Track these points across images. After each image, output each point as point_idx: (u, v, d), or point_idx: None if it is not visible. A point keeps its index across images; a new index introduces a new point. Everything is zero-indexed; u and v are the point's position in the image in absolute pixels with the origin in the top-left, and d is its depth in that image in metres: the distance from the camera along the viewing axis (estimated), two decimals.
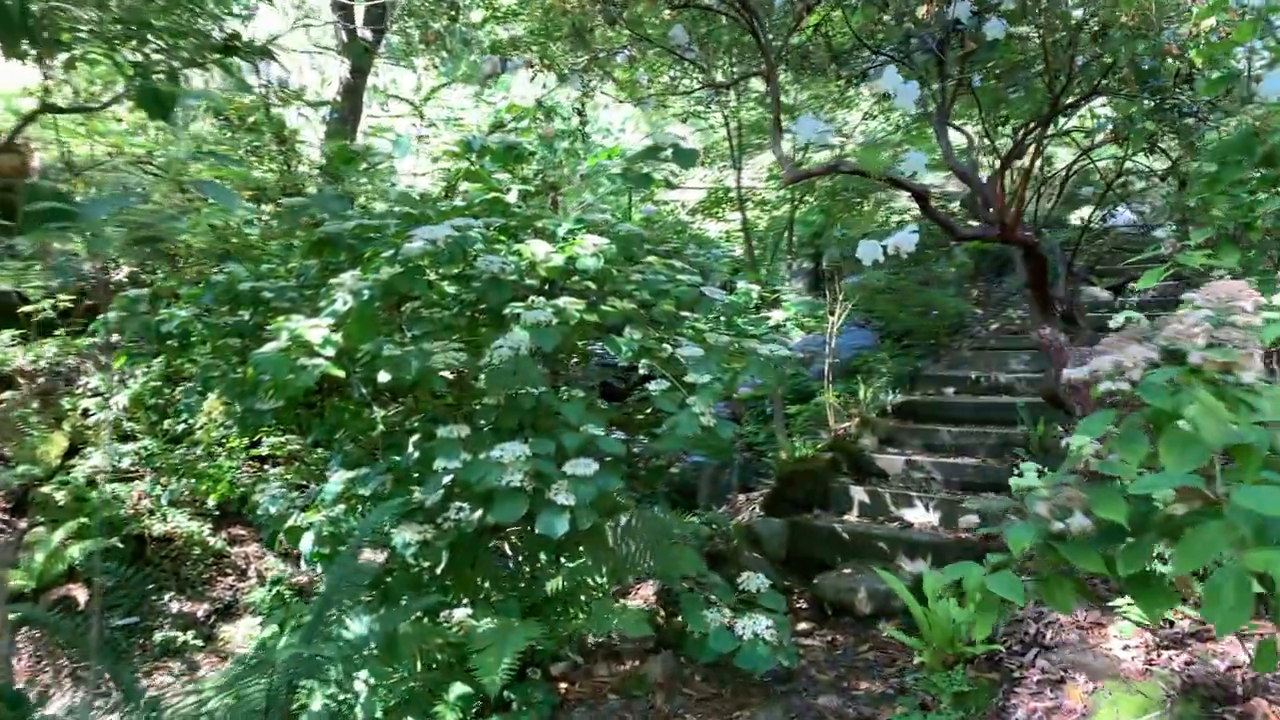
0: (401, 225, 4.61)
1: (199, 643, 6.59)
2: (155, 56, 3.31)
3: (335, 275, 4.44)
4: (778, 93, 5.25)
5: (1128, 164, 6.80)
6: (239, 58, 3.54)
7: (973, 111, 7.12)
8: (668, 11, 6.51)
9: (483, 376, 4.25)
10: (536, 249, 4.43)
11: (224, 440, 7.58)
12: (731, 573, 5.96)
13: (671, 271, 4.78)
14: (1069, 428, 6.98)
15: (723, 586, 4.90)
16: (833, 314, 9.24)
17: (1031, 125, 5.49)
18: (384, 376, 4.20)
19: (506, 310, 4.20)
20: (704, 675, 4.87)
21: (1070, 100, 5.30)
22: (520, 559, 5.11)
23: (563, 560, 5.05)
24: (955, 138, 5.86)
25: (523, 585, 4.89)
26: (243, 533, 7.56)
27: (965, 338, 10.98)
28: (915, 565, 6.19)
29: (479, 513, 4.19)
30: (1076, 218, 12.27)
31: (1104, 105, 5.89)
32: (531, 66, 6.30)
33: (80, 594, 6.46)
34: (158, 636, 6.46)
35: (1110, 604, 3.97)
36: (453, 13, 9.98)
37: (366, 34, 9.58)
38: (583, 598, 4.92)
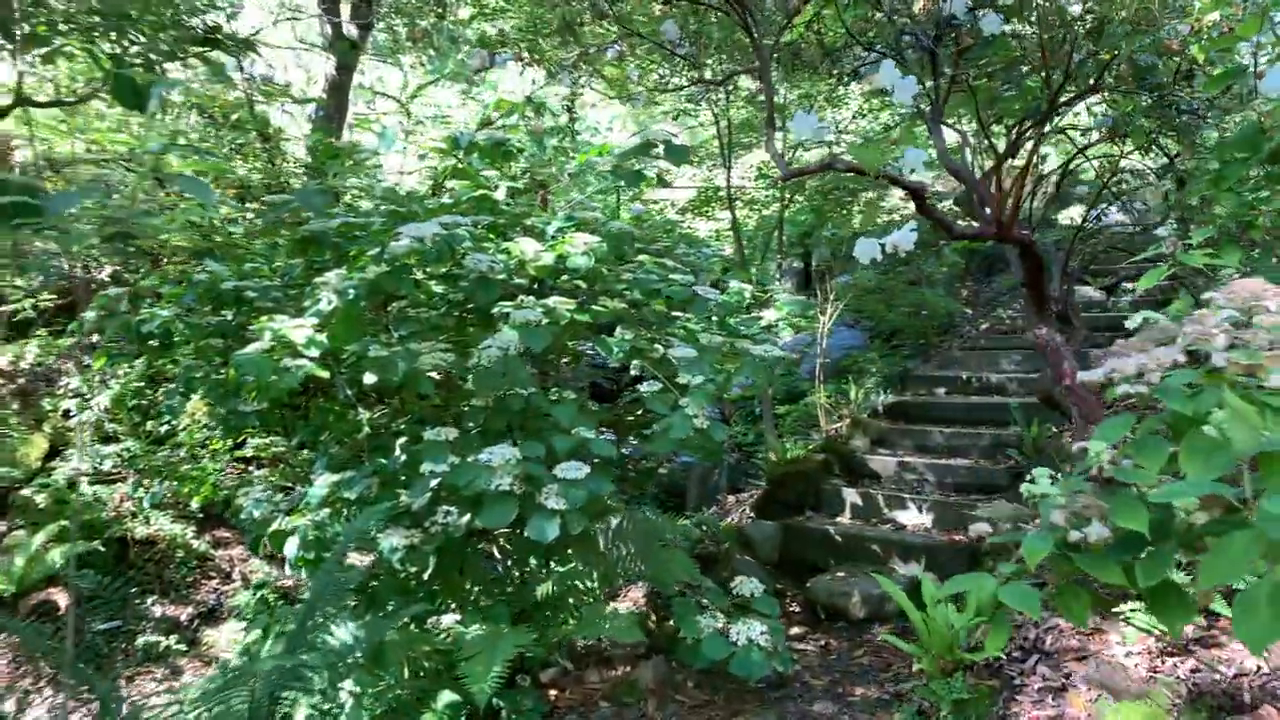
0: (387, 223, 4.52)
1: (182, 647, 6.50)
2: (134, 50, 3.23)
3: (320, 274, 4.36)
4: (771, 89, 5.18)
5: (1122, 162, 6.73)
6: (221, 51, 3.45)
7: (966, 110, 7.07)
8: (658, 7, 6.44)
9: (471, 378, 4.16)
10: (526, 247, 4.35)
11: (207, 442, 7.48)
12: (723, 575, 5.88)
13: (664, 271, 4.70)
14: (1064, 429, 6.94)
15: (715, 590, 4.83)
16: (823, 314, 9.17)
17: (1028, 123, 5.42)
18: (370, 378, 4.11)
19: (495, 310, 4.12)
20: (696, 681, 4.79)
21: (1065, 98, 5.23)
22: (509, 563, 5.02)
23: (552, 564, 4.97)
24: (949, 136, 5.79)
25: (512, 590, 4.81)
26: (227, 535, 7.46)
27: (955, 337, 10.94)
28: (909, 568, 6.13)
29: (467, 517, 4.10)
30: (1066, 218, 12.26)
31: (1099, 103, 5.82)
32: (521, 60, 6.21)
33: (61, 598, 6.36)
34: (140, 641, 6.37)
35: (1112, 609, 3.90)
36: (440, 10, 9.89)
37: (353, 30, 9.47)
38: (573, 602, 4.84)
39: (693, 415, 4.03)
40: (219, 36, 3.21)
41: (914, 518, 6.86)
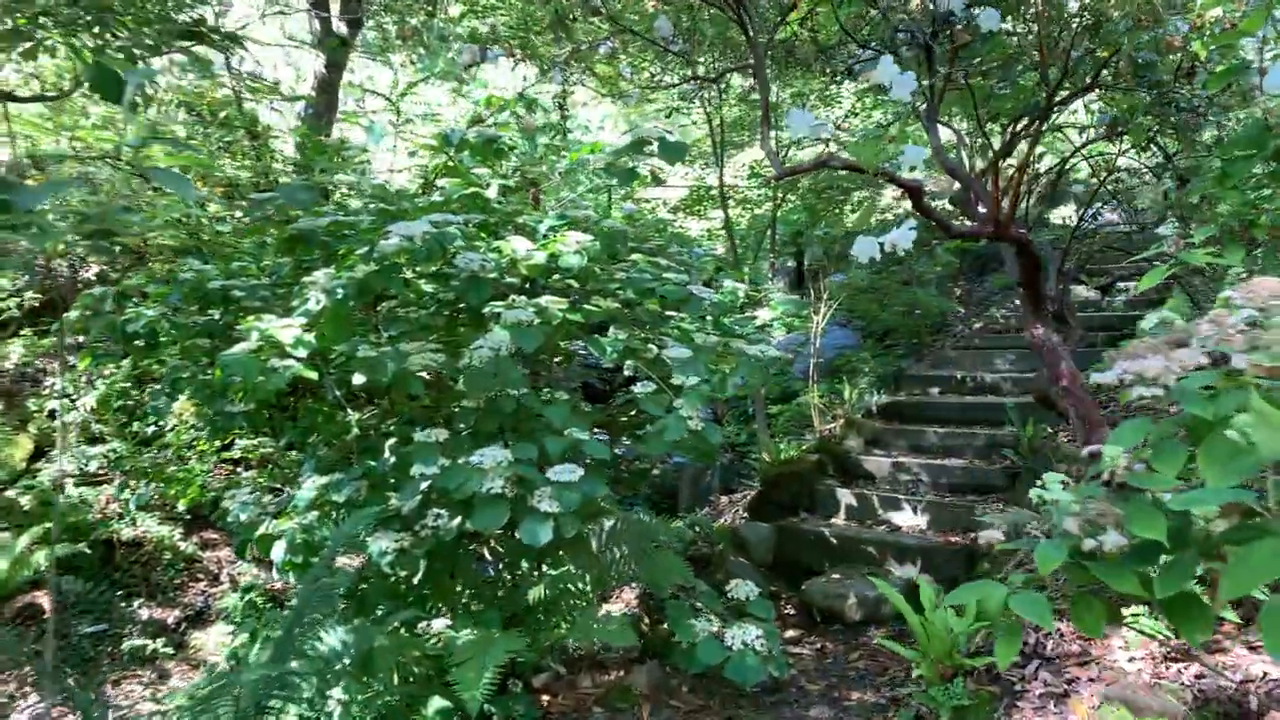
0: (377, 221, 4.44)
1: (169, 650, 6.43)
2: (117, 44, 3.16)
3: (309, 273, 4.28)
4: (766, 85, 5.11)
5: (1119, 161, 6.68)
6: (206, 46, 3.37)
7: (959, 109, 7.03)
8: (651, 4, 6.37)
9: (462, 378, 4.09)
10: (517, 246, 4.27)
11: (195, 443, 7.40)
12: (717, 578, 5.83)
13: (657, 270, 4.63)
14: (1059, 429, 6.90)
15: (710, 594, 4.76)
16: (816, 313, 9.12)
17: (1027, 120, 5.37)
18: (359, 378, 4.04)
19: (486, 310, 4.05)
20: (691, 686, 4.73)
21: (1062, 96, 5.18)
22: (501, 566, 4.95)
23: (545, 567, 4.90)
24: (944, 134, 5.74)
25: (503, 594, 4.74)
26: (214, 537, 7.39)
27: (948, 337, 10.92)
28: (905, 570, 6.08)
29: (458, 520, 4.03)
30: (1058, 217, 12.23)
31: (1095, 101, 5.78)
32: (512, 56, 6.15)
33: (46, 601, 6.28)
34: (126, 644, 6.30)
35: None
36: (430, 7, 9.81)
37: (342, 27, 9.39)
38: (565, 606, 4.77)
39: (687, 417, 3.96)
40: (203, 30, 3.13)
41: (909, 519, 6.81)
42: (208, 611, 6.89)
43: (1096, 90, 5.05)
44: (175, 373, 4.83)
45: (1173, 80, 4.68)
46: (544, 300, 3.98)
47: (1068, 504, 1.69)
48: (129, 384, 7.50)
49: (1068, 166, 6.75)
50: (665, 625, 4.86)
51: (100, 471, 7.26)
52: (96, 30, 3.44)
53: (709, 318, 4.82)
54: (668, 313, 4.79)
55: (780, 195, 11.13)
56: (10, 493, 6.72)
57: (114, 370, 7.30)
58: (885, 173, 3.79)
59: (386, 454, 4.46)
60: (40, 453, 7.25)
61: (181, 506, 7.07)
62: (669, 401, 4.08)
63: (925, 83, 5.06)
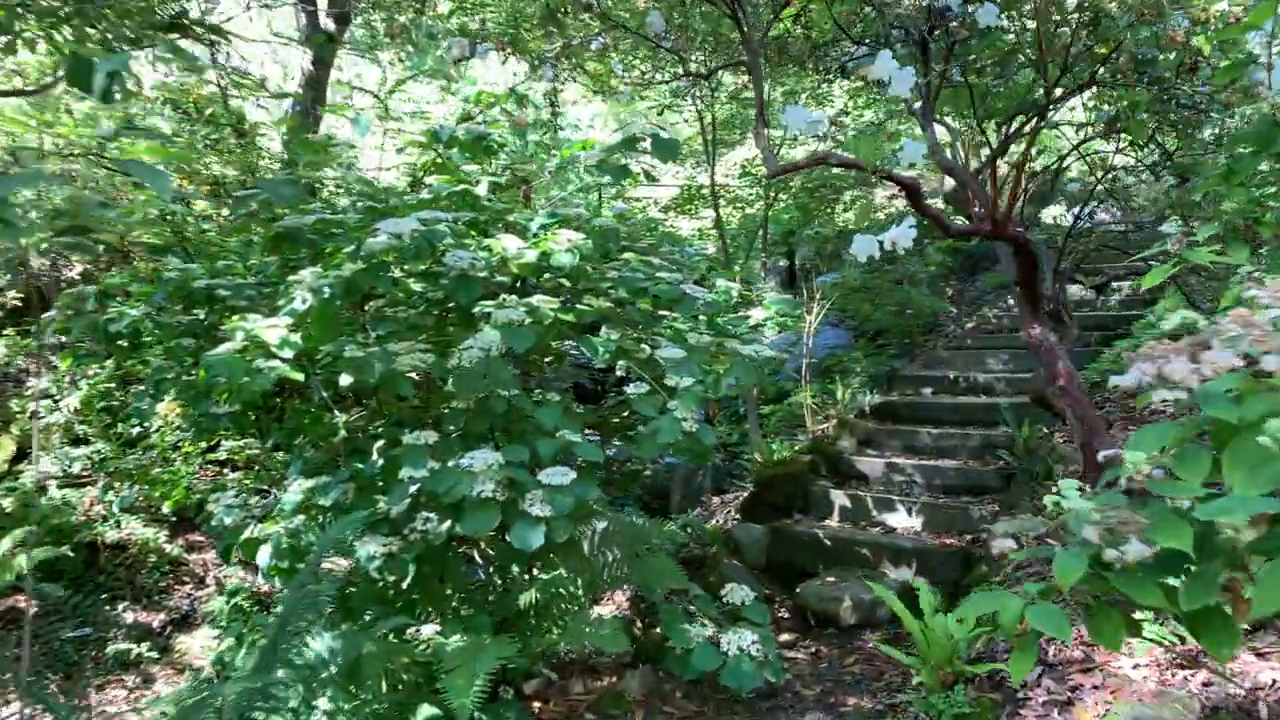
0: (364, 219, 4.36)
1: (154, 655, 6.34)
2: (97, 36, 3.07)
3: (295, 272, 4.20)
4: (761, 82, 5.04)
5: (1116, 159, 6.62)
6: (189, 38, 3.29)
7: (953, 107, 6.96)
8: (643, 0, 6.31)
9: (451, 379, 4.01)
10: (508, 244, 4.19)
11: (180, 444, 7.31)
12: (710, 580, 5.77)
13: (650, 269, 4.56)
14: (1055, 430, 6.84)
15: (703, 598, 4.69)
16: (809, 313, 9.06)
17: (1025, 116, 5.31)
18: (346, 379, 3.96)
19: (476, 309, 3.97)
20: (685, 691, 4.66)
21: (1061, 92, 5.12)
22: (491, 570, 4.87)
23: (536, 571, 4.82)
24: (939, 132, 5.68)
25: (494, 598, 4.65)
26: (200, 539, 7.30)
27: (940, 337, 10.89)
28: (900, 572, 6.01)
29: (447, 524, 3.95)
30: (1049, 216, 12.19)
31: (1092, 98, 5.72)
32: (502, 50, 6.07)
33: (29, 605, 6.18)
34: (111, 649, 6.21)
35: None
36: (418, 5, 9.73)
37: (329, 24, 9.30)
38: (556, 610, 4.69)
39: (681, 418, 3.89)
40: (186, 22, 3.04)
41: (904, 520, 6.75)
42: (193, 615, 6.80)
43: (1096, 87, 4.99)
44: (159, 373, 4.75)
45: (1174, 76, 4.62)
46: (535, 299, 3.91)
47: (1087, 512, 1.61)
48: (113, 384, 7.40)
49: (1065, 165, 6.66)
50: (658, 629, 4.79)
51: (84, 473, 7.16)
52: (76, 23, 3.36)
53: (702, 317, 4.75)
54: (660, 312, 4.72)
55: (773, 194, 11.07)
56: None
57: (98, 370, 7.20)
58: (883, 170, 3.71)
59: (375, 456, 4.37)
60: (23, 454, 7.15)
61: (166, 509, 6.97)
62: (662, 403, 4.01)
63: (921, 80, 4.99)
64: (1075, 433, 5.23)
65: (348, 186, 5.19)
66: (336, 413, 4.68)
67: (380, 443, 4.47)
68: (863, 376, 9.40)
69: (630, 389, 4.13)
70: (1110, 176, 6.66)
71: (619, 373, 4.46)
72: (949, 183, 10.19)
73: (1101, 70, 4.79)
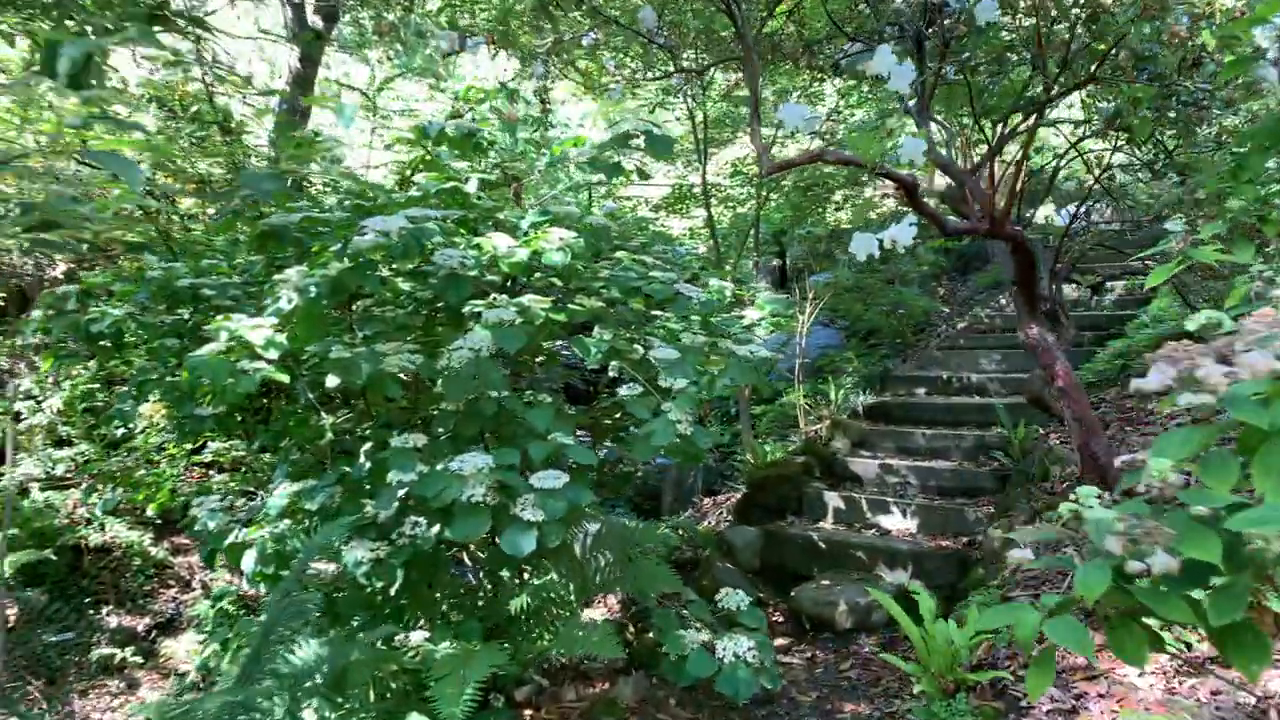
0: (351, 216, 4.28)
1: (139, 659, 6.26)
2: (75, 27, 2.99)
3: (281, 271, 4.11)
4: (756, 77, 4.97)
5: (1114, 157, 6.57)
6: (170, 31, 3.20)
7: (949, 106, 6.91)
8: None
9: (440, 381, 3.92)
10: (498, 243, 4.11)
11: (165, 446, 7.21)
12: (704, 583, 5.70)
13: (644, 268, 4.48)
14: (1050, 431, 6.78)
15: (697, 602, 4.60)
16: (801, 313, 9.00)
17: (1024, 113, 5.25)
18: (333, 380, 3.88)
19: (466, 309, 3.89)
20: (679, 698, 4.58)
21: (1060, 89, 5.05)
22: (481, 574, 4.79)
23: (527, 576, 4.74)
24: (933, 130, 5.62)
25: (483, 604, 4.57)
26: (186, 542, 7.22)
27: (933, 337, 10.84)
28: (896, 575, 5.95)
29: (437, 528, 3.87)
30: (1041, 216, 12.14)
31: (1090, 96, 5.66)
32: (492, 44, 5.98)
33: (10, 610, 6.09)
34: (95, 654, 6.12)
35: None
36: (407, 2, 9.63)
37: (317, 22, 9.20)
38: (548, 615, 4.61)
39: (676, 420, 3.81)
40: (167, 14, 2.96)
41: (898, 522, 6.69)
42: (179, 619, 6.73)
43: (1095, 83, 4.92)
44: (142, 374, 4.67)
45: (1175, 72, 4.56)
46: (526, 299, 3.83)
47: (1110, 522, 1.53)
48: (96, 385, 7.30)
49: (1049, 165, 6.59)
50: (650, 634, 4.72)
51: (67, 475, 7.07)
52: (56, 15, 3.27)
53: (695, 317, 4.68)
54: (653, 312, 4.64)
55: (764, 194, 11.01)
56: None
57: (81, 371, 7.11)
58: (882, 168, 3.64)
59: (362, 459, 4.29)
60: (3, 456, 7.05)
61: (151, 512, 6.87)
62: (656, 404, 3.93)
63: (916, 78, 4.93)
64: (1073, 434, 5.17)
65: (334, 184, 5.10)
66: (323, 415, 4.60)
67: (368, 445, 4.38)
68: (855, 377, 9.36)
69: (624, 390, 4.05)
70: (1107, 175, 6.59)
71: (611, 373, 4.39)
72: (939, 181, 10.13)
73: (1101, 66, 4.72)
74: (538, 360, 5.16)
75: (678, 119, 11.27)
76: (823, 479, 7.52)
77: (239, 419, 4.97)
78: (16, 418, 7.12)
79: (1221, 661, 3.43)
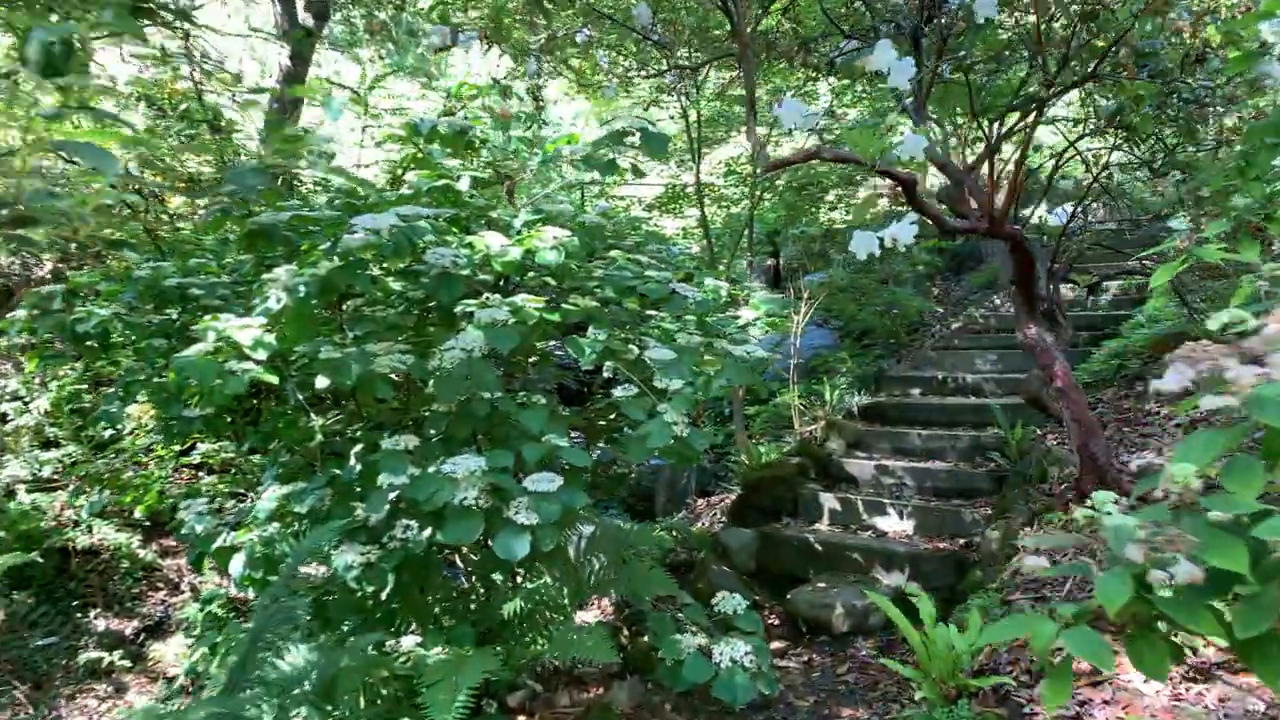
0: (342, 215, 4.21)
1: (127, 663, 6.18)
2: (57, 19, 2.91)
3: (270, 270, 4.05)
4: (752, 74, 4.91)
5: (1110, 155, 6.52)
6: (155, 24, 3.14)
7: (944, 105, 6.86)
8: None
9: (432, 382, 3.86)
10: (491, 241, 4.05)
11: (153, 447, 7.13)
12: (699, 586, 5.65)
13: (639, 267, 4.42)
14: (1047, 431, 6.74)
15: (693, 606, 4.54)
16: (796, 312, 8.95)
17: (1023, 111, 5.20)
18: (322, 381, 3.81)
19: (458, 308, 3.83)
20: (674, 704, 4.53)
21: (1060, 87, 5.01)
22: (474, 578, 4.73)
23: (520, 579, 4.68)
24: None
25: (476, 608, 4.51)
26: (175, 544, 7.13)
27: (927, 337, 10.80)
28: (892, 577, 5.90)
29: (428, 531, 3.81)
30: (1035, 216, 12.11)
31: (1089, 93, 5.62)
32: (485, 38, 5.92)
33: None
34: (82, 657, 6.04)
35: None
36: (399, 1, 9.58)
37: (308, 19, 9.12)
38: (541, 619, 4.55)
39: (672, 422, 3.75)
40: (152, 5, 2.89)
41: (895, 524, 6.64)
42: (167, 622, 6.64)
43: (1095, 81, 4.88)
44: (129, 375, 4.59)
45: (1178, 69, 4.51)
46: (519, 298, 3.77)
47: (1131, 529, 1.47)
48: (84, 386, 7.23)
49: (1061, 162, 6.54)
50: (645, 637, 4.66)
51: (54, 477, 6.98)
52: (39, 6, 3.20)
53: (691, 317, 4.62)
54: (648, 312, 4.59)
55: (758, 193, 10.96)
56: None
57: (69, 371, 7.03)
58: (881, 165, 3.58)
59: (352, 461, 4.22)
60: None
61: (139, 514, 6.79)
62: (652, 405, 3.87)
63: (915, 74, 4.88)
64: (1072, 435, 5.12)
65: (325, 183, 5.03)
66: (313, 416, 4.53)
67: (358, 447, 4.32)
68: (849, 377, 9.31)
69: (618, 392, 3.99)
70: (1105, 174, 6.54)
71: (606, 374, 4.33)
72: (932, 180, 10.08)
73: (1102, 63, 4.67)
74: (531, 361, 5.10)
75: (671, 117, 11.21)
76: (818, 480, 7.47)
77: (228, 420, 4.90)
78: (3, 419, 7.04)
79: (1229, 667, 3.38)
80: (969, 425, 7.81)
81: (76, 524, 6.71)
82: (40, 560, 6.23)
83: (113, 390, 4.73)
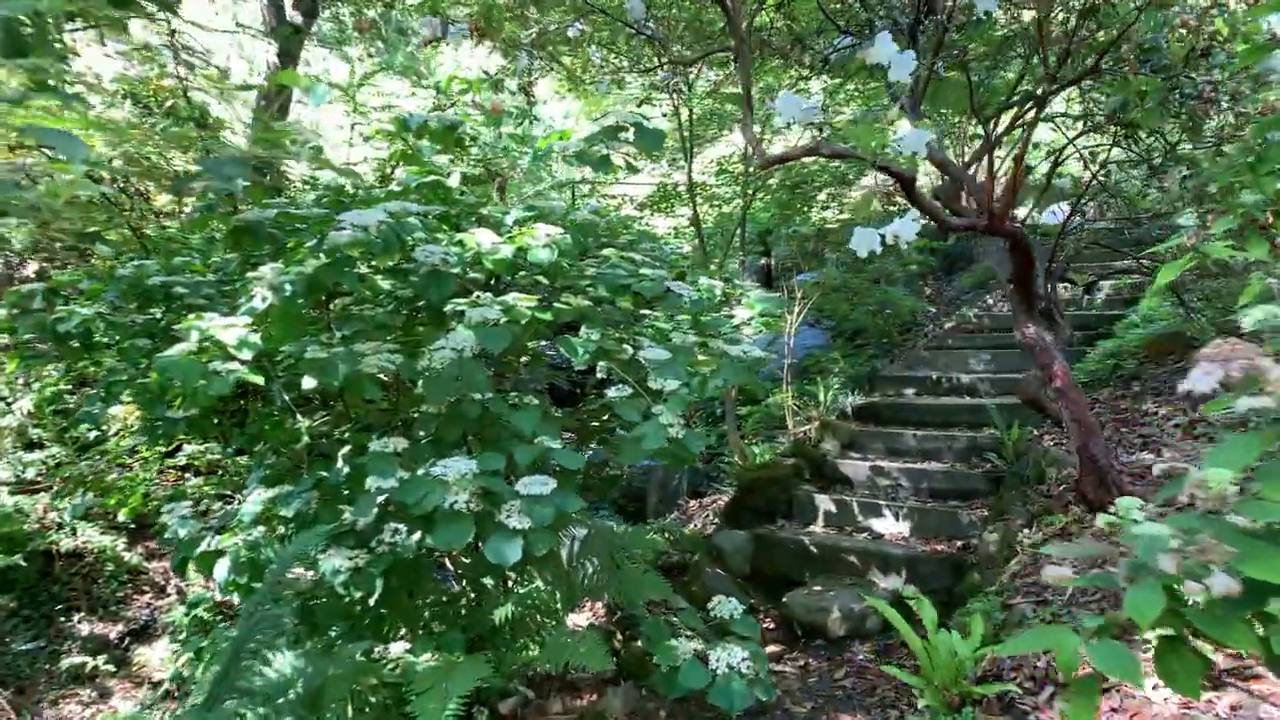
0: (328, 211, 4.12)
1: (111, 668, 6.09)
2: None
3: (256, 269, 3.96)
4: (748, 69, 4.84)
5: (1110, 152, 6.46)
6: (135, 14, 3.05)
7: (938, 104, 6.80)
8: None
9: (421, 382, 3.78)
10: (482, 239, 3.96)
11: (138, 448, 7.04)
12: (693, 589, 5.57)
13: (633, 265, 4.34)
14: (1044, 432, 6.67)
15: (688, 610, 4.46)
16: (790, 312, 8.89)
17: (1022, 107, 5.13)
18: (309, 381, 3.73)
19: (448, 307, 3.75)
20: (669, 710, 4.45)
21: (1061, 82, 4.94)
22: (464, 582, 4.64)
23: (512, 584, 4.60)
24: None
25: (466, 613, 4.42)
26: (160, 547, 7.04)
27: (919, 337, 10.76)
28: (889, 580, 5.83)
29: (418, 536, 3.72)
30: (1028, 215, 12.07)
31: (1088, 89, 5.55)
32: (476, 31, 5.83)
33: None
34: (65, 662, 5.95)
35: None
36: None
37: (296, 16, 9.03)
38: (533, 624, 4.47)
39: (668, 424, 3.67)
40: None
41: (891, 526, 6.57)
42: (153, 626, 6.55)
43: (1097, 76, 4.81)
44: (112, 376, 4.50)
45: (1183, 63, 4.45)
46: (511, 297, 3.69)
47: (1165, 538, 1.39)
48: (68, 386, 7.13)
49: (1060, 160, 6.48)
50: (639, 642, 4.59)
51: (38, 479, 6.89)
52: None
53: (685, 316, 4.54)
54: (642, 311, 4.51)
55: (750, 192, 10.89)
56: None
57: (52, 372, 6.93)
58: (881, 161, 3.51)
59: (340, 463, 4.14)
60: None
61: (123, 516, 6.70)
62: (646, 406, 3.80)
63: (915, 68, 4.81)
64: (1071, 435, 5.05)
65: (313, 180, 4.94)
66: (299, 417, 4.44)
67: (346, 449, 4.24)
68: (842, 377, 9.26)
69: (612, 392, 3.91)
70: (1103, 171, 6.48)
71: (599, 374, 4.25)
72: (923, 179, 10.03)
73: (1104, 58, 4.60)
74: (522, 361, 5.02)
75: (664, 115, 11.14)
76: (813, 481, 7.40)
77: (214, 422, 4.81)
78: None
79: (1240, 673, 3.30)
80: (965, 426, 7.74)
81: (60, 526, 6.62)
82: (23, 563, 6.15)
83: (95, 391, 4.64)
